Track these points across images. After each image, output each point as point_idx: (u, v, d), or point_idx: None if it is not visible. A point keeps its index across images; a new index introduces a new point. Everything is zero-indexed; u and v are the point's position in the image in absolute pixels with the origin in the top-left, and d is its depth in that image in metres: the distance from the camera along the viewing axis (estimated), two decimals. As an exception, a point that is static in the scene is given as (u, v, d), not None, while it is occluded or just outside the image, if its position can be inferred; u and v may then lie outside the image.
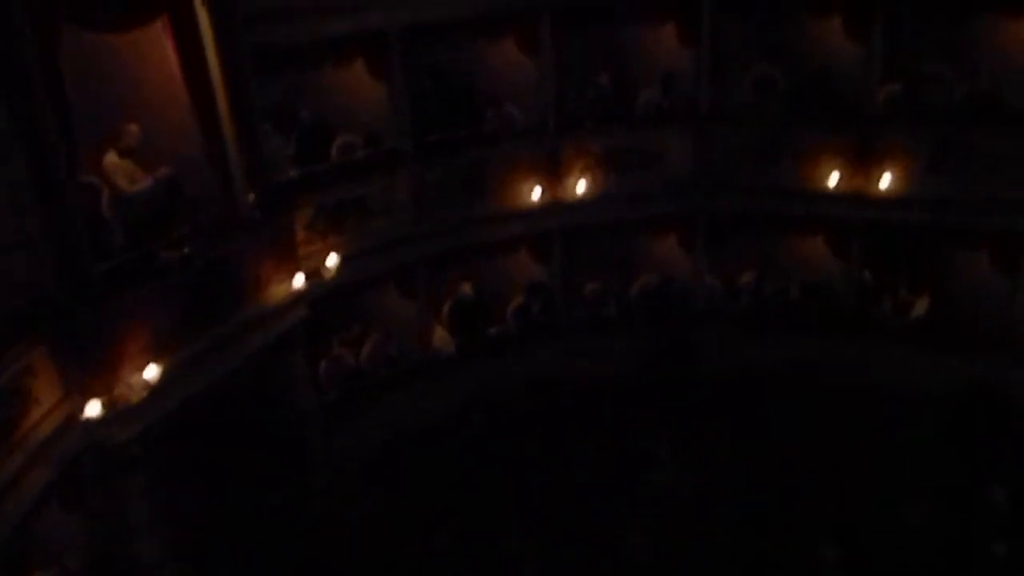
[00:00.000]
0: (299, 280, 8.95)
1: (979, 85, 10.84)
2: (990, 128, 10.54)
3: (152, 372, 7.53)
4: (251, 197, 8.61)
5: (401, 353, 11.21)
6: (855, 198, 11.15)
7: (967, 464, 10.15)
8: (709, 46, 11.24)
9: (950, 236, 11.30)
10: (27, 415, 6.90)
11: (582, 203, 11.49)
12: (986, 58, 10.94)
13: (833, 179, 11.11)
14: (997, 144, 10.49)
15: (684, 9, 11.34)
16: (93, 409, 7.21)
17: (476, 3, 10.47)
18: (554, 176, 11.32)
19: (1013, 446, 10.20)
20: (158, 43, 7.97)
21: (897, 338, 11.41)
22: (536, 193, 11.29)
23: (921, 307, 11.46)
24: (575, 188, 11.43)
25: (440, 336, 11.45)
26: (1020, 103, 10.59)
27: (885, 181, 10.91)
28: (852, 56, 11.20)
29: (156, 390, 7.53)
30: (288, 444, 9.32)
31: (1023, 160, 10.38)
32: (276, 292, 8.79)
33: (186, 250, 8.00)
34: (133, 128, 8.03)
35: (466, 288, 11.60)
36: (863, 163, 11.02)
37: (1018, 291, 10.97)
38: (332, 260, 9.49)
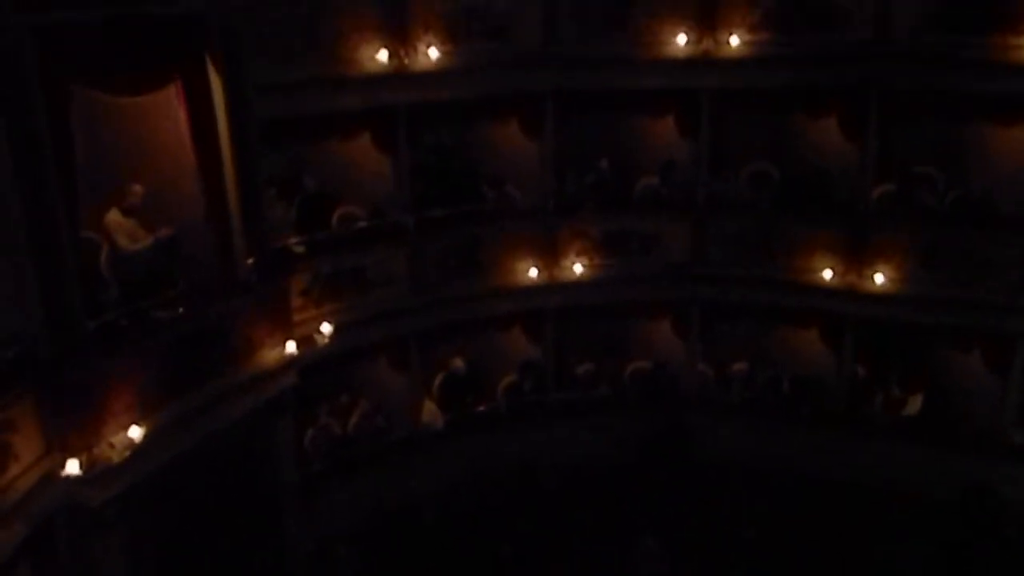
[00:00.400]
0: (291, 346, 8.93)
1: (970, 189, 11.06)
2: (981, 232, 10.69)
3: (136, 432, 7.45)
4: (249, 261, 8.66)
5: (389, 426, 11.12)
6: (848, 293, 11.25)
7: (960, 570, 9.99)
8: (708, 139, 11.51)
9: (943, 335, 11.37)
10: (5, 470, 6.80)
11: (578, 284, 11.58)
12: (977, 163, 11.18)
13: (827, 274, 11.22)
14: (988, 248, 10.64)
15: (684, 103, 11.64)
16: (73, 467, 7.10)
17: (482, 85, 10.72)
18: (551, 256, 11.44)
19: (1005, 551, 10.06)
20: (170, 106, 8.13)
21: (889, 436, 11.36)
22: (533, 272, 11.38)
23: (914, 405, 11.44)
24: (572, 269, 11.53)
25: (429, 410, 11.37)
26: (1010, 209, 10.77)
27: (878, 278, 11.02)
28: (847, 155, 11.45)
29: (138, 451, 7.43)
30: (269, 511, 9.15)
31: (1013, 265, 10.50)
32: (267, 357, 8.76)
33: (180, 310, 8.00)
34: (138, 188, 8.14)
35: (458, 363, 11.58)
36: (857, 259, 11.16)
37: (1009, 393, 10.96)
38: (326, 328, 9.50)
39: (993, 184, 10.93)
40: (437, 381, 11.63)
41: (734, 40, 10.84)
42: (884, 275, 11.01)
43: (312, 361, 9.36)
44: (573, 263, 11.52)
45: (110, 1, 7.03)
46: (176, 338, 7.96)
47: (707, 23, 10.87)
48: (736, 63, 10.92)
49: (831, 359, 11.90)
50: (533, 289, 11.45)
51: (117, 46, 7.29)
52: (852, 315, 11.40)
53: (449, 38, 10.29)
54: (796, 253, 11.35)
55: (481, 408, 11.65)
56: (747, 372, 12.09)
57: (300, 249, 9.73)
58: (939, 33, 10.27)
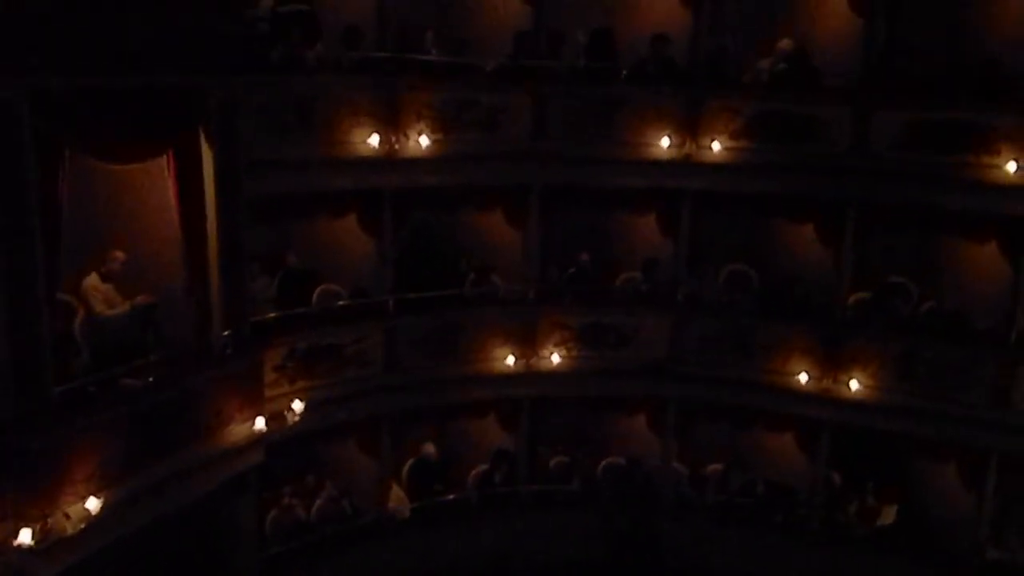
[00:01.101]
0: (260, 423, 8.78)
1: (944, 301, 11.24)
2: (955, 345, 10.80)
3: (93, 504, 7.22)
4: (225, 333, 8.59)
5: (355, 510, 10.86)
6: (824, 399, 11.26)
7: None
8: (688, 238, 11.72)
9: (918, 446, 11.37)
10: (-47, 535, 6.55)
11: (555, 374, 11.55)
12: (952, 277, 11.41)
13: (803, 378, 11.28)
14: (962, 361, 10.72)
15: (666, 203, 11.89)
16: (25, 537, 6.85)
17: (470, 174, 10.91)
18: (530, 345, 11.44)
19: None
20: (159, 175, 8.18)
21: (863, 546, 11.21)
22: (510, 360, 11.36)
23: (888, 515, 11.32)
24: (550, 359, 11.52)
25: (397, 496, 11.14)
26: (984, 324, 10.92)
27: (854, 384, 11.08)
28: (824, 261, 11.67)
29: (94, 523, 7.19)
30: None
31: (986, 379, 10.57)
32: (235, 432, 8.60)
33: (150, 379, 7.88)
34: (119, 254, 8.12)
35: (429, 448, 11.42)
36: (832, 365, 11.22)
37: (983, 508, 10.90)
38: (297, 405, 9.37)
39: (967, 298, 11.13)
40: (407, 466, 11.44)
41: (716, 146, 11.15)
42: (859, 382, 11.06)
43: (280, 438, 9.21)
44: (551, 353, 11.52)
45: (109, 70, 7.15)
46: (144, 408, 7.81)
47: (690, 128, 11.19)
48: (717, 167, 11.21)
49: (806, 465, 11.85)
50: (510, 377, 11.40)
51: (113, 114, 7.36)
52: (827, 421, 11.40)
53: (440, 127, 10.51)
54: (773, 355, 11.41)
55: (451, 497, 11.43)
56: (722, 474, 11.99)
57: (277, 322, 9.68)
58: (915, 150, 10.58)
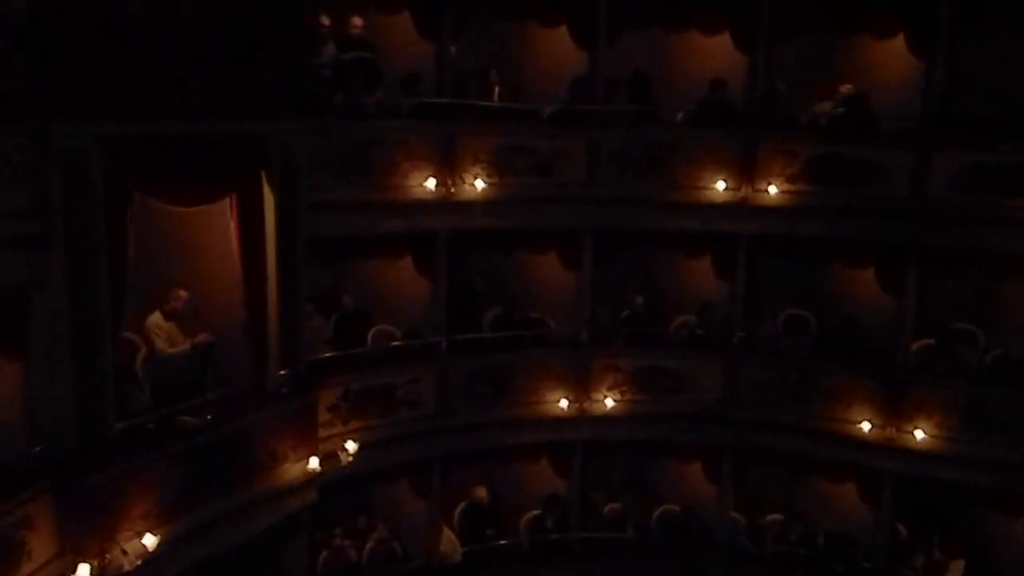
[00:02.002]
0: (314, 462, 8.83)
1: (1012, 348, 10.88)
2: (1024, 393, 10.47)
3: (150, 541, 7.31)
4: (282, 373, 8.70)
5: (405, 553, 10.80)
6: (887, 448, 10.93)
7: None
8: (743, 282, 11.58)
9: (987, 497, 10.95)
10: (17, 569, 6.65)
11: (608, 418, 11.41)
12: (1018, 322, 11.06)
13: (865, 426, 10.97)
14: (1033, 410, 10.39)
15: (721, 246, 11.80)
16: (83, 572, 6.95)
17: (524, 217, 10.96)
18: (583, 389, 11.34)
19: None
20: (222, 217, 8.39)
21: (928, 604, 10.80)
22: (563, 403, 11.27)
23: (955, 570, 10.87)
24: (603, 403, 11.40)
25: (448, 540, 11.05)
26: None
27: (919, 434, 10.74)
28: (884, 306, 11.44)
29: (150, 560, 7.27)
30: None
31: (1057, 429, 10.22)
32: (289, 472, 8.65)
33: (208, 417, 7.99)
34: (182, 293, 8.29)
35: (481, 492, 11.33)
36: (895, 413, 10.91)
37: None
38: (351, 446, 9.41)
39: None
40: (458, 510, 11.36)
41: (772, 189, 11.06)
42: (924, 431, 10.72)
43: (333, 479, 9.23)
44: (604, 397, 11.40)
45: (176, 117, 7.38)
46: (201, 446, 7.91)
47: (746, 171, 11.12)
48: (773, 211, 11.11)
49: (869, 516, 11.48)
50: (562, 421, 11.29)
51: (180, 159, 7.59)
52: (891, 471, 11.06)
53: (495, 171, 10.61)
54: (832, 402, 11.13)
55: (502, 542, 11.30)
56: (781, 524, 11.67)
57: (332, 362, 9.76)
58: (976, 193, 10.37)
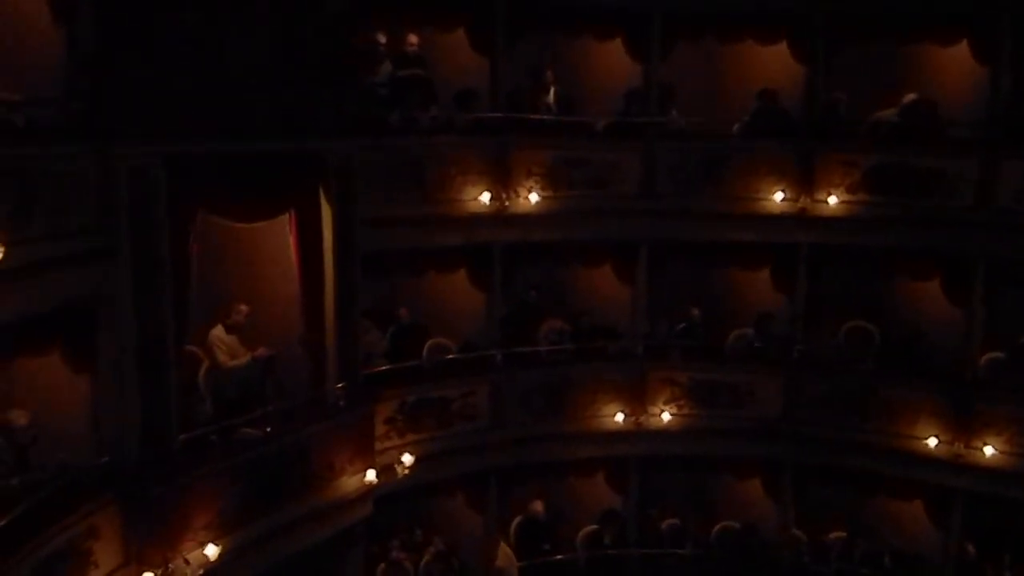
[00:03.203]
0: (371, 475, 8.89)
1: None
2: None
3: (212, 551, 7.44)
4: (339, 386, 8.79)
5: (462, 567, 10.79)
6: (955, 465, 10.60)
7: None
8: (804, 294, 11.37)
9: (1059, 517, 10.55)
10: (82, 578, 6.83)
11: (665, 432, 11.28)
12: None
13: (931, 442, 10.65)
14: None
15: (780, 257, 11.61)
16: (147, 580, 7.10)
17: (579, 231, 10.95)
18: (639, 402, 11.23)
19: None
20: (281, 232, 8.55)
21: (1002, 626, 10.41)
22: (619, 417, 11.18)
23: (1029, 592, 10.51)
24: (659, 417, 11.28)
25: (505, 554, 11.00)
26: None
27: (988, 450, 10.39)
28: (951, 319, 11.11)
29: (212, 570, 7.39)
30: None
31: None
32: (347, 484, 8.73)
33: (267, 429, 8.11)
34: (243, 307, 8.44)
35: (538, 506, 11.27)
36: (963, 429, 10.57)
37: None
38: (407, 459, 9.46)
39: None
40: (514, 524, 11.32)
41: (832, 199, 10.85)
42: (994, 447, 10.37)
43: (389, 491, 9.28)
44: (661, 411, 11.28)
45: (237, 136, 7.56)
46: (260, 457, 8.03)
47: (805, 182, 10.94)
48: (833, 221, 10.90)
49: (937, 535, 11.14)
50: (618, 435, 11.20)
51: (241, 177, 7.79)
52: (959, 489, 10.72)
53: (550, 185, 10.63)
54: (897, 417, 10.84)
55: (559, 557, 11.22)
56: (846, 542, 11.37)
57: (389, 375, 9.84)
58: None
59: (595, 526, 11.49)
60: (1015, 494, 10.41)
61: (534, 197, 10.52)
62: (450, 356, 10.64)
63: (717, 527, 11.66)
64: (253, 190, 8.01)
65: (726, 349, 11.55)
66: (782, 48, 11.66)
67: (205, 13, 7.28)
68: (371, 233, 8.98)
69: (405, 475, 9.45)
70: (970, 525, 10.86)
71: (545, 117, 10.74)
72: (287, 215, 8.49)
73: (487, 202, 10.30)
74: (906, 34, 11.33)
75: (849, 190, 10.83)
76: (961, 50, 11.22)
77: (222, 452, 7.82)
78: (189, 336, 7.99)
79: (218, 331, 8.37)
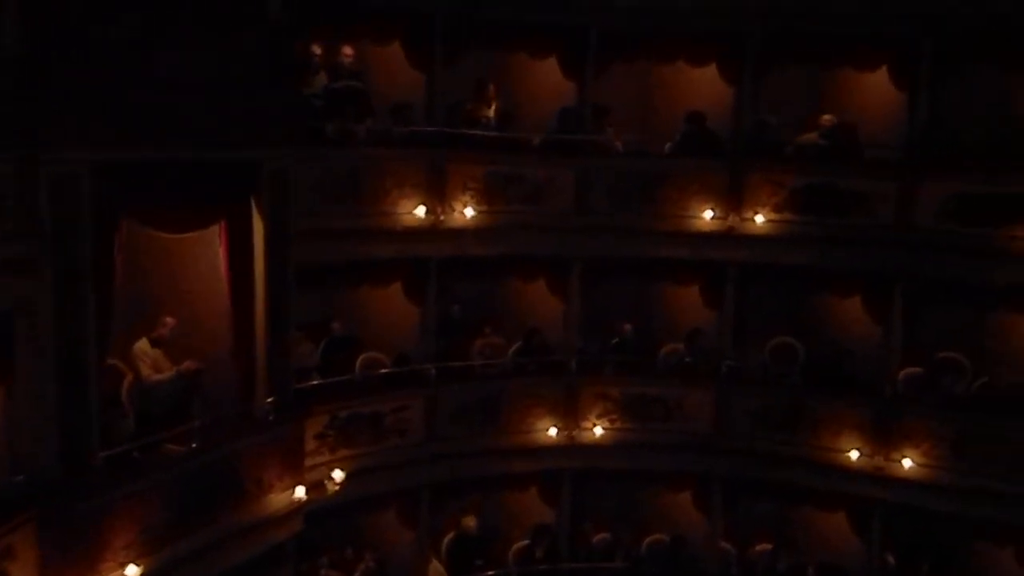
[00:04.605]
0: (301, 491, 8.75)
1: (999, 378, 10.91)
2: (1011, 423, 10.44)
3: (133, 571, 7.21)
4: (269, 400, 8.64)
5: (392, 584, 10.69)
6: (875, 477, 10.92)
7: None
8: (732, 310, 11.62)
9: (974, 527, 10.92)
10: (-5, 600, 6.55)
11: (598, 447, 11.37)
12: (1004, 352, 11.12)
13: (853, 455, 10.97)
14: (1019, 440, 10.34)
15: (709, 274, 11.86)
16: (64, 603, 6.84)
17: (514, 245, 11.01)
18: (572, 417, 11.30)
19: None
20: (211, 244, 8.38)
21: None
22: (552, 432, 11.23)
23: (946, 602, 10.87)
24: (592, 431, 11.37)
25: (436, 570, 10.95)
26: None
27: (906, 463, 10.74)
28: (872, 335, 11.49)
29: (130, 592, 7.17)
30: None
31: (1048, 458, 10.23)
32: (276, 500, 8.56)
33: (193, 445, 7.92)
34: (169, 320, 8.24)
35: (470, 522, 11.23)
36: (884, 442, 10.90)
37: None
38: (338, 474, 9.34)
39: (1021, 374, 10.81)
40: (446, 540, 11.26)
41: (759, 218, 11.14)
42: (913, 460, 10.72)
43: (320, 508, 9.14)
44: (594, 425, 11.37)
45: (167, 143, 7.39)
46: (186, 474, 7.83)
47: (733, 201, 11.20)
48: (761, 240, 11.17)
49: (859, 546, 11.44)
50: (552, 449, 11.25)
51: (169, 185, 7.59)
52: (880, 500, 11.04)
53: (485, 200, 10.67)
54: (821, 431, 11.12)
55: (491, 573, 11.18)
56: (771, 554, 11.60)
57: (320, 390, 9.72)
58: (962, 223, 10.44)
59: (527, 541, 11.50)
60: (932, 505, 10.77)
61: (470, 211, 10.55)
62: (383, 370, 10.57)
63: (647, 540, 11.79)
64: (182, 200, 7.82)
65: (657, 364, 11.73)
66: (712, 70, 11.97)
67: (139, 18, 7.11)
68: (305, 245, 8.87)
69: (336, 491, 9.32)
70: (890, 536, 11.18)
71: (481, 133, 10.78)
72: (218, 226, 8.32)
73: (423, 215, 10.28)
74: (830, 59, 11.73)
75: (776, 209, 11.13)
76: (881, 75, 11.67)
77: (145, 469, 7.60)
78: (112, 349, 7.75)
79: (142, 344, 8.15)
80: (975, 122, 10.86)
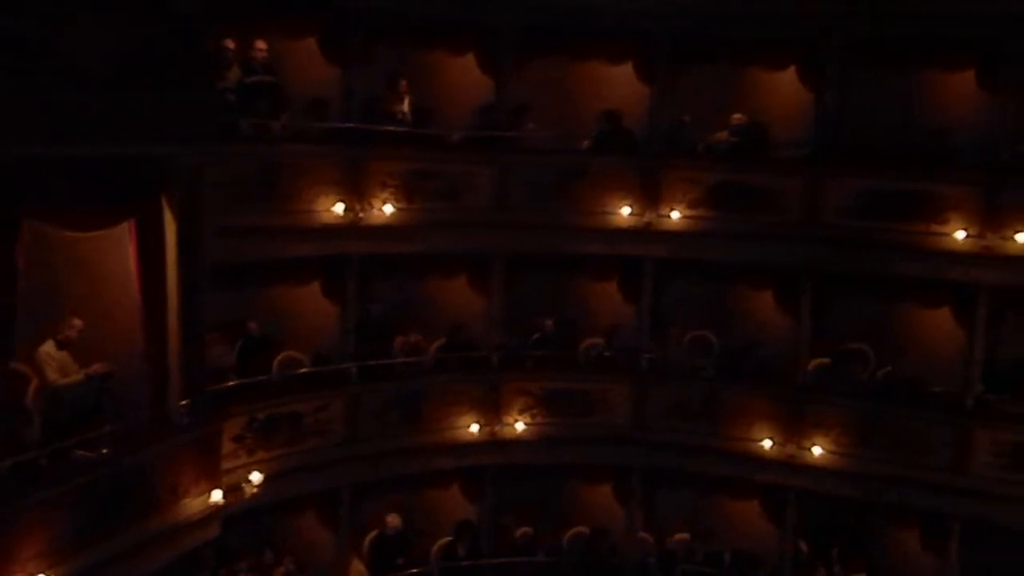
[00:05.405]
0: (217, 495, 8.56)
1: (901, 367, 11.38)
2: (912, 409, 10.89)
3: (42, 581, 6.96)
4: (183, 403, 8.43)
5: (314, 587, 10.56)
6: (787, 465, 11.27)
7: None
8: (649, 305, 11.84)
9: (882, 512, 11.36)
10: None
11: (520, 442, 11.45)
12: (907, 342, 11.58)
13: (767, 444, 11.30)
14: (920, 426, 10.82)
15: (628, 270, 12.05)
16: (-34, 617, 6.56)
17: (434, 242, 10.99)
18: (494, 413, 11.35)
19: None
20: (120, 243, 8.12)
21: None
22: (474, 428, 11.25)
23: (856, 585, 11.27)
24: (514, 427, 11.43)
25: (357, 571, 10.86)
26: (940, 388, 11.06)
27: (816, 451, 11.12)
28: (784, 327, 11.84)
29: (40, 602, 6.91)
30: None
31: (945, 444, 10.65)
32: (192, 505, 8.36)
33: (104, 451, 7.67)
34: (77, 322, 7.95)
35: (392, 521, 11.16)
36: (795, 431, 11.26)
37: (947, 574, 10.88)
38: (256, 477, 9.17)
39: (923, 363, 11.29)
40: (368, 540, 11.17)
41: (675, 214, 11.38)
42: (822, 447, 11.11)
43: (238, 512, 8.97)
44: (516, 421, 11.44)
45: (71, 140, 7.11)
46: (96, 481, 7.58)
47: (650, 197, 11.41)
48: (677, 235, 11.41)
49: (773, 533, 11.79)
50: (474, 446, 11.28)
51: (74, 183, 7.32)
52: (792, 487, 11.40)
53: (404, 196, 10.61)
54: (736, 422, 11.43)
55: (413, 571, 11.14)
56: (688, 543, 11.87)
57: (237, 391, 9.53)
58: (866, 219, 10.86)
59: (450, 538, 11.50)
60: (841, 491, 11.17)
61: (389, 208, 10.48)
62: (302, 370, 10.42)
63: (569, 533, 11.92)
64: (88, 198, 7.55)
65: (578, 359, 11.86)
66: (628, 69, 12.16)
67: (38, 8, 6.83)
68: (220, 243, 8.68)
69: (254, 494, 9.15)
70: (802, 522, 11.55)
71: (399, 129, 10.72)
72: (127, 224, 8.06)
73: (341, 213, 10.17)
74: (742, 59, 12.05)
75: (691, 206, 11.38)
76: (790, 75, 12.04)
77: (53, 477, 7.32)
78: (15, 353, 7.44)
79: (48, 347, 7.84)
80: (880, 121, 11.30)
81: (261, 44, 9.97)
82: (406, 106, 10.91)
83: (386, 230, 10.50)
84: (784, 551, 11.56)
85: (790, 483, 11.38)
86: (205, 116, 8.34)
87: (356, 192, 10.28)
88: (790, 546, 11.55)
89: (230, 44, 9.78)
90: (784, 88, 12.06)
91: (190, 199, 8.31)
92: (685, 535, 11.91)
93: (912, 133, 11.13)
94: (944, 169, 10.74)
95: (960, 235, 10.42)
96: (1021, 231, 10.16)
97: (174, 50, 7.94)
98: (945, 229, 10.51)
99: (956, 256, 10.47)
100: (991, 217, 10.34)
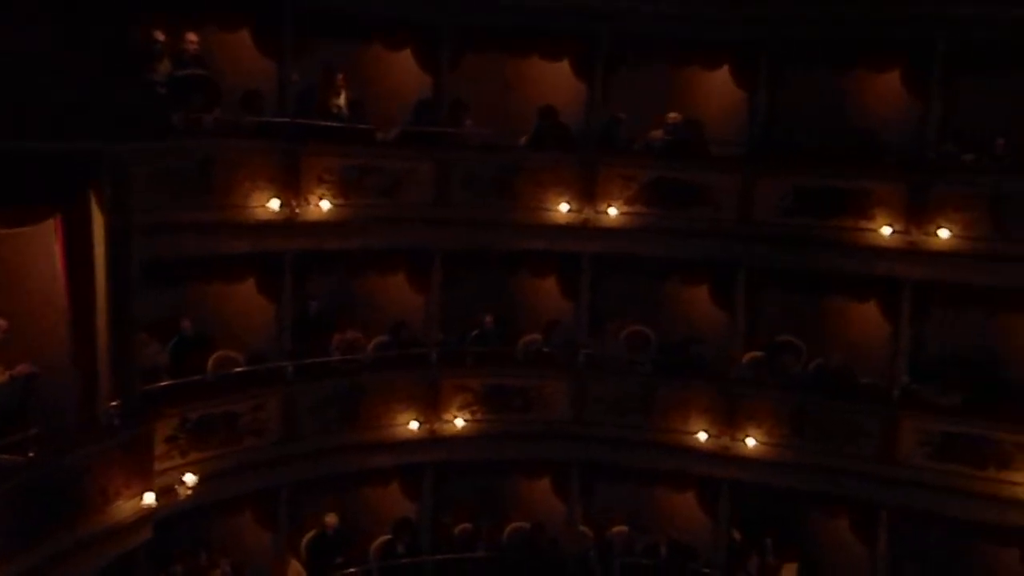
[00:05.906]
0: (150, 498, 8.37)
1: (830, 359, 11.68)
2: (841, 401, 11.18)
3: (-37, 591, 6.72)
4: (113, 404, 8.22)
5: (251, 588, 10.41)
6: (722, 457, 11.48)
7: None
8: (587, 300, 11.96)
9: (812, 501, 11.64)
10: None
11: (459, 439, 11.44)
12: (836, 335, 11.88)
13: (702, 436, 11.50)
14: (849, 416, 11.09)
15: (566, 266, 12.14)
16: None
17: (371, 238, 10.91)
18: (432, 409, 11.32)
19: None
20: (45, 240, 7.87)
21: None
22: (414, 425, 11.22)
23: (789, 573, 11.43)
24: (453, 423, 11.43)
25: (295, 571, 10.72)
26: (867, 380, 11.39)
27: (750, 442, 11.37)
28: (718, 321, 12.09)
29: (-38, 613, 6.68)
30: None
31: (873, 434, 10.93)
32: (123, 509, 8.15)
33: (30, 454, 7.43)
34: (1, 323, 7.67)
35: (330, 520, 11.06)
36: (729, 423, 11.46)
37: (877, 562, 11.21)
38: (189, 478, 9.00)
39: (851, 355, 11.57)
40: (306, 539, 11.05)
41: (612, 211, 11.49)
42: (756, 439, 11.35)
43: (171, 514, 8.79)
44: (455, 417, 11.43)
45: (-8, 133, 6.88)
46: (22, 485, 7.34)
47: (587, 194, 11.51)
48: (614, 232, 11.53)
49: (708, 523, 12.01)
50: (413, 443, 11.23)
51: (-5, 177, 7.09)
52: (726, 478, 11.63)
53: (342, 192, 10.51)
54: (673, 415, 11.60)
55: (352, 570, 11.05)
56: (626, 536, 12.02)
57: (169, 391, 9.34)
58: (798, 215, 11.13)
59: (389, 536, 11.45)
60: (775, 481, 11.42)
61: (326, 204, 10.37)
62: (238, 369, 10.25)
63: (509, 528, 11.98)
64: (11, 194, 7.29)
65: (517, 355, 11.91)
66: (566, 66, 12.24)
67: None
68: (152, 240, 8.51)
69: (188, 496, 8.97)
70: (736, 512, 11.79)
71: (336, 124, 10.60)
72: (53, 221, 7.82)
73: (277, 209, 10.03)
74: (678, 58, 12.23)
75: (628, 202, 11.52)
76: (724, 75, 12.27)
77: (-24, 482, 7.09)
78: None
79: (-31, 348, 7.58)
80: (811, 121, 11.55)
81: (192, 36, 9.76)
82: (343, 100, 10.79)
83: (323, 226, 10.39)
84: (719, 541, 11.79)
85: (724, 475, 11.61)
86: (134, 109, 8.13)
87: (292, 188, 10.14)
88: (724, 536, 11.78)
89: (160, 36, 9.55)
90: (718, 88, 12.28)
91: (118, 195, 8.11)
92: (624, 528, 12.07)
93: (842, 132, 11.44)
94: (872, 167, 11.06)
95: (886, 231, 10.75)
96: (944, 227, 10.53)
97: (100, 41, 7.72)
98: (872, 225, 10.83)
99: (882, 251, 10.80)
100: (916, 214, 10.68)
